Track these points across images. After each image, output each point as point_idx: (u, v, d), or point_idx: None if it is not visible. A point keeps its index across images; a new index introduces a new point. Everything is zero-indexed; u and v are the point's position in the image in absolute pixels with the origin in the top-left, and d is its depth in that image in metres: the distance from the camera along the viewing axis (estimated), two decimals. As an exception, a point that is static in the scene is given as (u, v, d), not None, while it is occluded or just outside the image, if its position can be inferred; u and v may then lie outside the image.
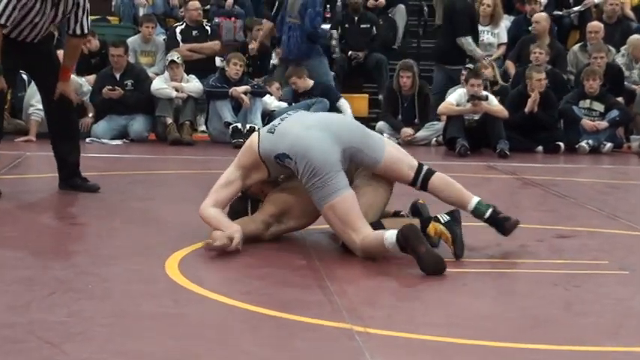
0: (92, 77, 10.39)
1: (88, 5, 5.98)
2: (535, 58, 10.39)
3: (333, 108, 10.11)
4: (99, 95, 10.08)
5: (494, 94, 9.95)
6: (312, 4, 10.20)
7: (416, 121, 10.35)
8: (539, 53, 10.48)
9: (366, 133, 4.71)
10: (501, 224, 4.66)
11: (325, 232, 5.05)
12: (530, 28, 11.50)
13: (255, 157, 4.62)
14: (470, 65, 10.46)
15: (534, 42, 11.00)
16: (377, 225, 4.50)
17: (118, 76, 10.14)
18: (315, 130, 4.52)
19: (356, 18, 11.87)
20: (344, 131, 4.59)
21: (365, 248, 4.42)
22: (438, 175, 4.71)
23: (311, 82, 10.37)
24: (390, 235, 4.27)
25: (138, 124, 10.04)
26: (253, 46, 11.13)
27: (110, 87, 10.01)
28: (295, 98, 10.41)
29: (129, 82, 10.13)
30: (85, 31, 6.05)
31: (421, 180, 4.67)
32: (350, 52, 11.59)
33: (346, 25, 11.88)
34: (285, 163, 4.53)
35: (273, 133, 4.59)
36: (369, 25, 11.86)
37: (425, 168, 4.69)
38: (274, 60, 11.39)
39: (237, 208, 4.84)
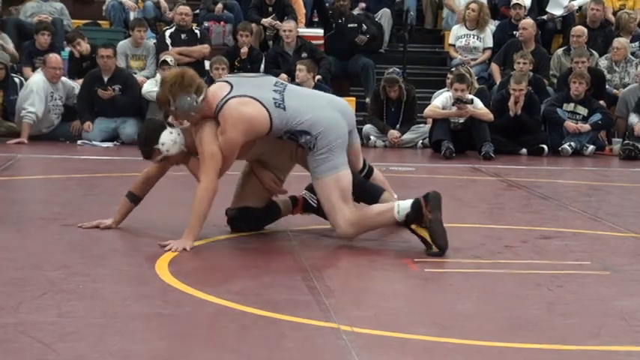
0: (83, 80, 10.40)
1: None
2: (519, 69, 10.43)
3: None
4: (86, 96, 10.01)
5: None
6: None
7: (397, 126, 10.38)
8: (522, 63, 10.53)
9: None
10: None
11: (313, 232, 5.11)
12: (515, 32, 11.56)
13: (263, 129, 4.68)
14: (453, 69, 10.50)
15: (520, 47, 11.06)
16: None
17: (105, 79, 10.11)
18: (329, 111, 4.77)
19: (342, 21, 11.89)
20: (348, 111, 4.94)
21: (362, 220, 4.66)
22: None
23: (312, 83, 10.46)
24: (403, 202, 4.58)
25: (129, 127, 10.03)
26: (245, 50, 11.15)
27: (101, 88, 9.99)
28: None
29: (116, 87, 10.10)
30: None
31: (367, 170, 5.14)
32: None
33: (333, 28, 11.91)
34: (300, 139, 4.68)
35: (284, 109, 4.68)
36: (356, 27, 11.88)
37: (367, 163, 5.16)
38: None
39: None
